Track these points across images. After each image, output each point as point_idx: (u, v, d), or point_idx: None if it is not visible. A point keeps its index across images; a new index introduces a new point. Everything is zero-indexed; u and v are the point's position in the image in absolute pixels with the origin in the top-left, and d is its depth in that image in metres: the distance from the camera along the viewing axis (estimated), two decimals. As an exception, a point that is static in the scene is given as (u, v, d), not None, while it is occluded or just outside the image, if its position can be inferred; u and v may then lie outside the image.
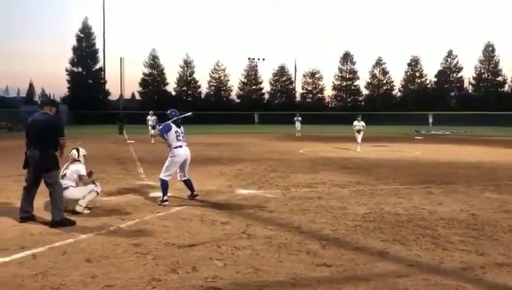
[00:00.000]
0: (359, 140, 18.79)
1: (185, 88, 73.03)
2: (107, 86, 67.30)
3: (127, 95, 71.82)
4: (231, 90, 75.12)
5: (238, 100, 74.16)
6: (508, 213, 6.97)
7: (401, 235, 5.61)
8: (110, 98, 68.54)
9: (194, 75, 73.37)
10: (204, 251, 4.93)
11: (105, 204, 7.40)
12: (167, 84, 71.90)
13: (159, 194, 7.69)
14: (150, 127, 23.33)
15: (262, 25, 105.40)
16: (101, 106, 58.43)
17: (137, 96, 74.36)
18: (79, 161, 7.27)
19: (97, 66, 65.99)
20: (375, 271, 4.33)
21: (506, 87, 69.35)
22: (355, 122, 19.46)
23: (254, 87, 75.50)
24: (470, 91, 71.19)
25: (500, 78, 69.25)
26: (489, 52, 69.46)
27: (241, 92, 75.22)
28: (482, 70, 69.85)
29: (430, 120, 47.83)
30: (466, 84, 71.70)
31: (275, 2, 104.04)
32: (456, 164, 14.18)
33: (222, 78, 74.75)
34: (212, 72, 74.62)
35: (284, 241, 5.31)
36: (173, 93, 72.24)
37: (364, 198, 8.19)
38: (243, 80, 75.43)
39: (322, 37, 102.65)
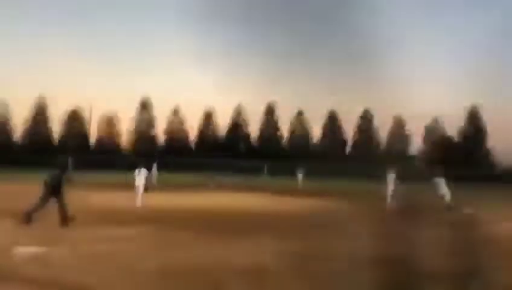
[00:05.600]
0: (140, 192, 17.51)
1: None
2: None
3: None
4: (12, 132, 67.70)
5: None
6: (285, 259, 7.95)
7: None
8: None
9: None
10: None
11: None
12: None
13: None
14: None
15: (54, 62, 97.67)
16: None
17: None
18: None
19: None
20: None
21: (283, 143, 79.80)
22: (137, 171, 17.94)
23: (45, 128, 69.29)
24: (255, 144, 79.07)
25: (279, 133, 79.42)
26: (272, 110, 79.19)
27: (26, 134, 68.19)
28: (264, 126, 78.91)
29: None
30: (253, 137, 79.63)
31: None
32: (234, 212, 15.48)
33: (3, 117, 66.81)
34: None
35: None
36: None
37: (155, 250, 8.36)
38: (29, 119, 68.64)
39: (119, 81, 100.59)
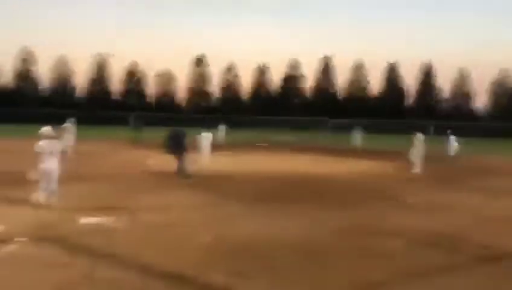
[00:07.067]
0: (206, 152, 18.14)
1: (22, 83, 66.39)
2: None
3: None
4: (75, 88, 70.98)
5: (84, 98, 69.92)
6: (338, 233, 7.91)
7: (243, 268, 5.97)
8: None
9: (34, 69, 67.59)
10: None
11: None
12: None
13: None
14: None
15: (111, 20, 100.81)
16: None
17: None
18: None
19: None
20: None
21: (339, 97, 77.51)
22: (204, 133, 18.56)
23: (103, 85, 71.77)
24: (310, 98, 77.51)
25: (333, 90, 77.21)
26: (327, 63, 76.75)
27: (87, 90, 71.15)
28: (320, 81, 76.82)
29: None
30: (308, 92, 77.97)
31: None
32: (291, 177, 15.41)
33: (66, 74, 69.89)
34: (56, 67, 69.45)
35: (128, 286, 5.25)
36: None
37: (211, 222, 8.49)
38: (92, 77, 71.28)
39: (175, 39, 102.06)
